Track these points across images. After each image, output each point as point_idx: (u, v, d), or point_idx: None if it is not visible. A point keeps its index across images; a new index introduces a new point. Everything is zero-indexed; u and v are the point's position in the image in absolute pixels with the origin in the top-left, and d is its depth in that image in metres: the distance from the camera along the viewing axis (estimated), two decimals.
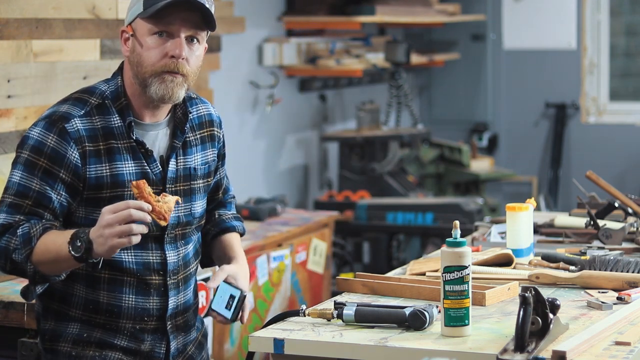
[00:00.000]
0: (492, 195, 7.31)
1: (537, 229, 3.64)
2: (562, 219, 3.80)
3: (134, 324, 2.72)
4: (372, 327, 2.63)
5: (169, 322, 2.77)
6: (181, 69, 2.64)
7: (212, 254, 2.96)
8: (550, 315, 2.46)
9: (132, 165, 2.67)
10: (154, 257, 2.73)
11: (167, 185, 2.72)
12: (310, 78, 6.49)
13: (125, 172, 2.66)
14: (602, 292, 2.90)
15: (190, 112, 2.79)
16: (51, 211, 2.62)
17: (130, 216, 2.45)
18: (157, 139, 2.72)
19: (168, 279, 2.74)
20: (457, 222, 2.56)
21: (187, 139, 2.77)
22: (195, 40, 2.68)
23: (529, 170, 7.85)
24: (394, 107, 7.15)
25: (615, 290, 2.91)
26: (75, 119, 2.63)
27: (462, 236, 2.57)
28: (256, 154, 6.11)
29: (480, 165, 7.28)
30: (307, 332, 2.62)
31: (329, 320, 2.68)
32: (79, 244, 2.49)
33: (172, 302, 2.77)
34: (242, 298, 2.71)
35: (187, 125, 2.76)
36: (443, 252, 2.57)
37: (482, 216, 5.57)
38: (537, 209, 3.81)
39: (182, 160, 2.76)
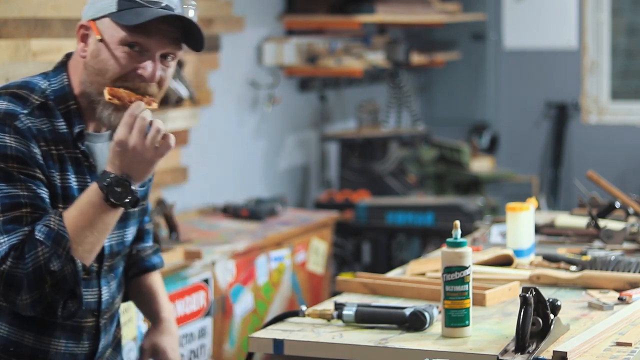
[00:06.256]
0: (492, 195, 7.30)
1: (538, 229, 3.63)
2: (563, 219, 3.79)
3: None
4: (372, 327, 2.62)
5: None
6: (150, 91, 2.26)
7: (131, 296, 2.62)
8: (551, 316, 2.45)
9: (75, 179, 2.30)
10: (92, 296, 2.37)
11: None
12: (310, 78, 6.48)
13: (73, 185, 2.29)
14: (603, 293, 2.89)
15: None
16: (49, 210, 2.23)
17: (145, 119, 2.18)
18: (100, 151, 2.35)
19: (101, 319, 2.41)
20: (457, 222, 2.55)
21: None
22: (169, 57, 2.29)
23: (529, 170, 7.84)
24: (394, 107, 7.15)
25: (616, 290, 2.90)
26: (22, 116, 2.22)
27: (462, 236, 2.57)
28: (256, 154, 6.09)
29: (481, 165, 7.27)
30: (306, 333, 2.61)
31: (328, 320, 2.67)
32: (118, 189, 2.17)
33: (101, 346, 2.44)
34: None
35: None
36: (443, 253, 2.56)
37: (482, 216, 5.56)
38: (538, 208, 3.80)
39: None
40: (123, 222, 2.40)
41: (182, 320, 4.17)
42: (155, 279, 2.64)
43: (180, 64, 4.88)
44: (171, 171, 5.14)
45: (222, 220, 5.15)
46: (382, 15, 6.46)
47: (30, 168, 2.21)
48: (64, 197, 2.27)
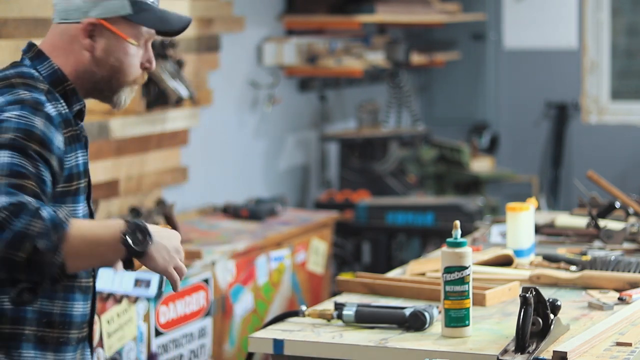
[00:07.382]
0: (492, 195, 7.30)
1: (538, 229, 3.62)
2: (563, 219, 3.79)
3: (79, 332, 2.43)
4: (372, 327, 2.62)
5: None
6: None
7: None
8: (551, 316, 2.45)
9: (83, 155, 2.39)
10: None
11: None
12: (310, 78, 6.48)
13: (82, 162, 2.39)
14: (603, 293, 2.89)
15: None
16: (47, 199, 2.21)
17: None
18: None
19: (95, 278, 2.53)
20: (457, 223, 2.55)
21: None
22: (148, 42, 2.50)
23: (529, 170, 7.84)
24: (394, 107, 7.14)
25: (616, 290, 2.90)
26: (47, 104, 2.29)
27: (462, 236, 2.57)
28: (256, 154, 6.09)
29: (481, 165, 7.27)
30: (306, 333, 2.61)
31: (328, 320, 2.67)
32: (140, 237, 2.16)
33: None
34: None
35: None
36: (443, 253, 2.56)
37: (482, 216, 5.56)
38: (538, 208, 3.80)
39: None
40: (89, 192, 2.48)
41: (182, 320, 4.17)
42: None
43: (180, 64, 4.88)
44: (171, 171, 5.14)
45: (222, 220, 5.15)
46: (382, 15, 6.46)
47: (48, 153, 2.22)
48: (77, 175, 2.34)
